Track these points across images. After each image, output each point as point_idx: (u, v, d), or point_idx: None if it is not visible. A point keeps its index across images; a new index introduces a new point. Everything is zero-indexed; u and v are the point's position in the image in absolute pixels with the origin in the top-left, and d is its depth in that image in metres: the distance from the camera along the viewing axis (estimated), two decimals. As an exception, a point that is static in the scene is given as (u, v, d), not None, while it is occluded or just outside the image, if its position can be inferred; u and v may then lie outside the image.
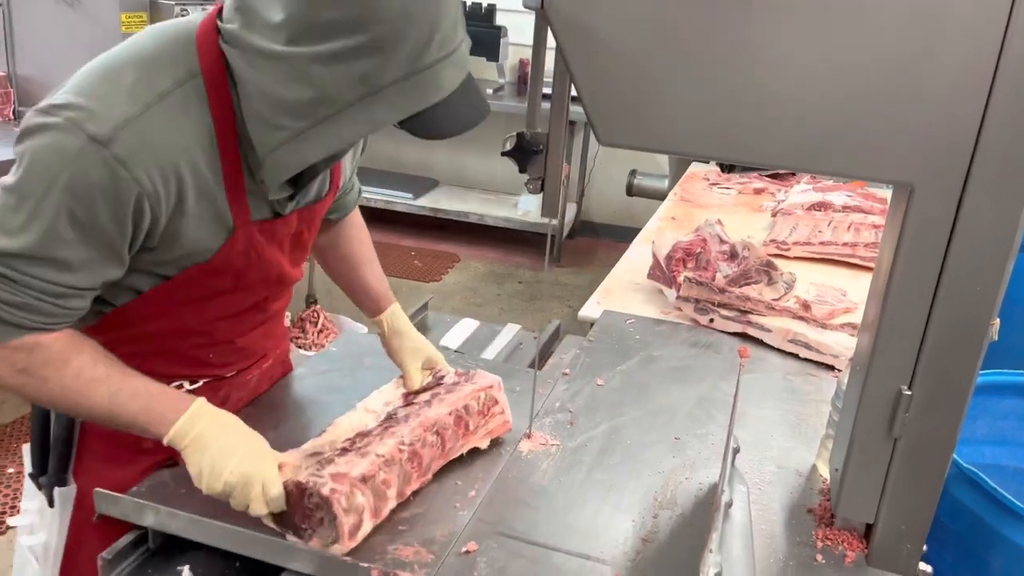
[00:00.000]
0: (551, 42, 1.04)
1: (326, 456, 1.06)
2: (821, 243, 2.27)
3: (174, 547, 1.07)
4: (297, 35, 0.91)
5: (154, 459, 1.14)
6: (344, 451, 1.07)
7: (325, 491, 0.97)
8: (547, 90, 1.04)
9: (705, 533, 0.96)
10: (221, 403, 1.12)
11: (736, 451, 1.06)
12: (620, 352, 1.62)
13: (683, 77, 0.96)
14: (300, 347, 3.31)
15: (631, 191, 4.30)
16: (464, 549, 1.02)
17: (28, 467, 1.21)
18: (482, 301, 4.35)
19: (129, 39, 1.04)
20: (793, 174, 3.09)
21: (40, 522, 1.22)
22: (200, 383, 1.19)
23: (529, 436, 1.28)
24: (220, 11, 1.01)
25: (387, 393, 1.26)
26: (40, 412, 1.18)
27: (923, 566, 1.07)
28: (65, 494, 1.18)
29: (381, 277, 1.44)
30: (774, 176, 3.11)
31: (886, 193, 2.78)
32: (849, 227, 2.30)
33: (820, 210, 2.46)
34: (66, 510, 1.18)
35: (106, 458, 1.16)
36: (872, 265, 2.25)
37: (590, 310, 1.86)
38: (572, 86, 1.02)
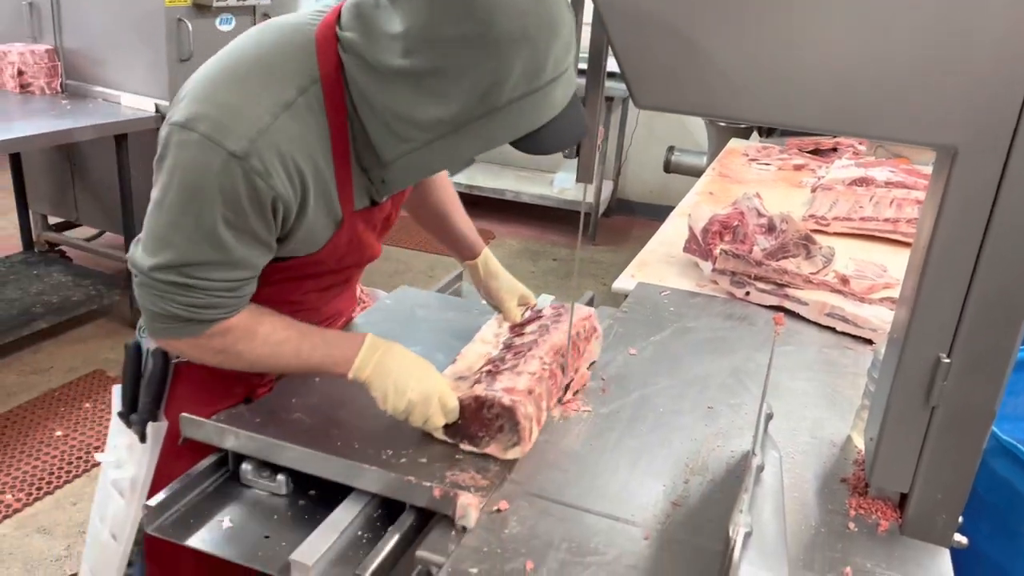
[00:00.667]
0: (587, 15, 1.03)
1: (481, 375, 1.19)
2: (862, 219, 2.24)
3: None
4: (416, 48, 0.95)
5: (238, 398, 1.27)
6: (492, 373, 1.20)
7: (506, 401, 1.11)
8: (582, 66, 1.04)
9: (735, 497, 0.96)
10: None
11: (769, 417, 1.05)
12: (654, 323, 1.61)
13: (722, 37, 0.94)
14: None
15: (668, 167, 4.26)
16: (496, 508, 1.04)
17: (117, 406, 1.31)
18: (517, 278, 4.35)
19: (250, 36, 1.08)
20: (835, 150, 3.04)
21: (128, 457, 1.30)
22: None
23: (562, 402, 1.28)
24: (339, 15, 1.04)
25: (493, 327, 1.41)
26: (133, 354, 1.28)
27: (958, 537, 1.06)
28: (157, 428, 1.27)
29: (470, 225, 1.55)
30: (815, 152, 3.07)
31: (930, 170, 2.72)
32: (892, 203, 2.26)
33: (862, 185, 2.41)
34: (157, 444, 1.27)
35: (196, 398, 1.24)
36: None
37: (624, 282, 1.86)
38: (608, 53, 1.02)
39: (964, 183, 0.92)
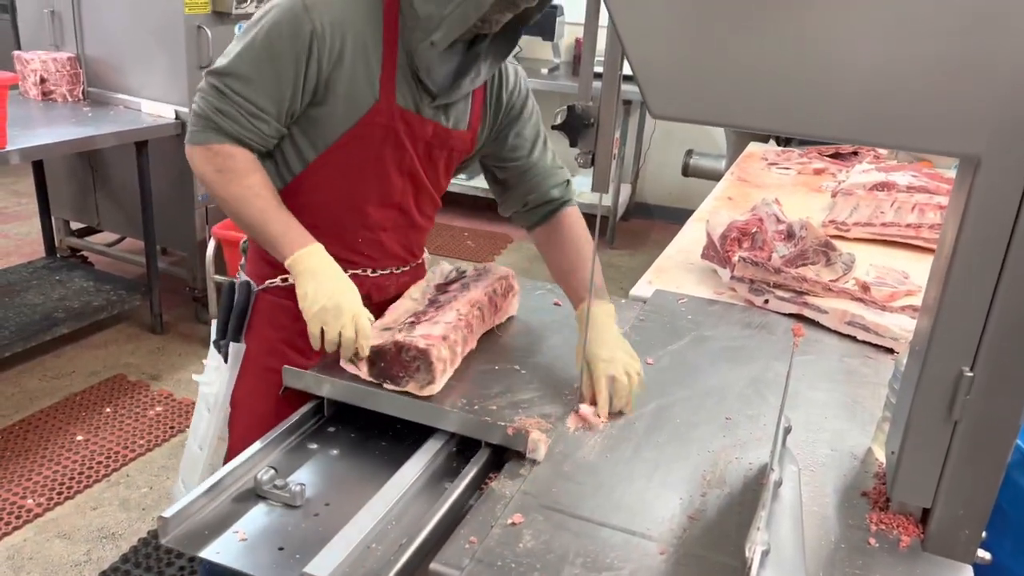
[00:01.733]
0: (603, 19, 1.02)
1: (402, 326, 1.33)
2: (883, 224, 2.21)
3: (344, 416, 1.34)
4: None
5: (303, 327, 1.34)
6: (414, 324, 1.34)
7: (422, 345, 1.26)
8: (599, 69, 1.03)
9: (753, 512, 0.95)
10: (364, 297, 1.35)
11: (788, 430, 1.04)
12: (671, 331, 1.60)
13: (739, 46, 0.93)
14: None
15: (687, 171, 4.23)
16: (510, 521, 1.03)
17: (213, 335, 1.52)
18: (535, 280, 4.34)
19: None
20: (855, 153, 3.01)
21: (215, 377, 1.52)
22: (349, 273, 1.37)
23: (577, 413, 1.27)
24: None
25: (421, 287, 1.51)
26: (228, 290, 1.48)
27: (982, 553, 1.03)
28: (237, 350, 1.48)
29: (595, 273, 1.41)
30: (835, 156, 3.03)
31: (953, 174, 2.69)
32: (913, 208, 2.22)
33: (883, 190, 2.38)
34: (236, 364, 1.48)
35: (269, 323, 1.47)
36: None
37: (641, 289, 1.84)
38: (624, 60, 1.01)
39: (987, 192, 0.90)
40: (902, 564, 1.00)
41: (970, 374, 0.96)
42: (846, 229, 2.22)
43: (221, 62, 1.30)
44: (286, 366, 1.34)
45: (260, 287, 1.46)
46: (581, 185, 5.01)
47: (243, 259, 1.54)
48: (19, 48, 3.51)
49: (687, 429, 1.27)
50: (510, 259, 4.62)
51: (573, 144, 1.12)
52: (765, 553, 0.82)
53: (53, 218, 3.84)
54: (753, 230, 1.90)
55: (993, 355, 0.94)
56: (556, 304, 1.71)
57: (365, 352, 1.28)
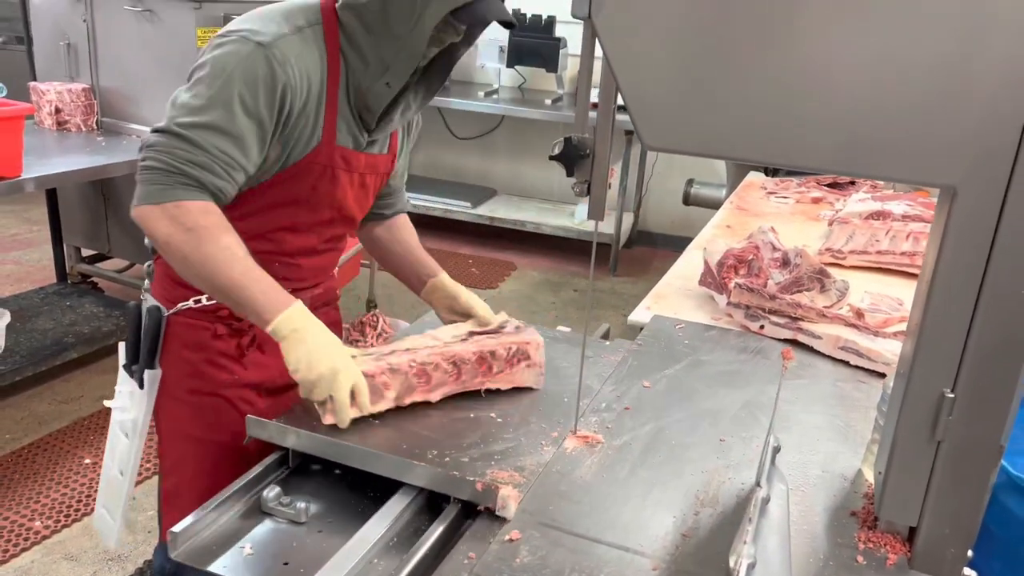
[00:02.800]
0: (600, 50, 1.08)
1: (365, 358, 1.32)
2: (878, 252, 2.25)
3: (308, 468, 1.30)
4: None
5: (223, 346, 1.44)
6: (377, 358, 1.32)
7: None
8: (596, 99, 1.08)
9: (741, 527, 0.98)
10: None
11: (776, 450, 1.07)
12: (668, 356, 1.63)
13: (725, 81, 0.98)
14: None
15: (688, 200, 4.29)
16: (507, 537, 1.06)
17: (122, 360, 1.48)
18: (537, 308, 4.39)
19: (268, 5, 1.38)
20: (852, 183, 3.06)
21: (130, 403, 1.49)
22: None
23: (575, 433, 1.31)
24: None
25: (453, 330, 1.48)
26: (134, 314, 1.45)
27: (968, 572, 1.06)
28: (153, 376, 1.45)
29: (428, 257, 1.67)
30: (832, 186, 3.08)
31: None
32: (908, 236, 2.27)
33: (878, 219, 2.43)
34: (153, 389, 1.46)
35: (185, 346, 1.44)
36: (931, 275, 2.21)
37: (640, 315, 1.88)
38: (619, 92, 1.06)
39: (964, 221, 0.94)
40: (889, 581, 1.03)
41: (951, 395, 0.99)
42: (842, 257, 2.26)
43: (183, 115, 1.24)
44: (249, 416, 1.27)
45: (171, 311, 1.43)
46: (584, 214, 5.07)
47: (147, 281, 1.51)
48: (35, 79, 3.60)
49: (682, 450, 1.30)
50: (514, 286, 4.67)
51: (569, 174, 1.16)
52: (751, 566, 0.85)
53: (65, 245, 3.91)
54: (749, 257, 1.94)
55: (973, 377, 0.98)
56: None
57: (367, 409, 1.26)
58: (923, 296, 1.02)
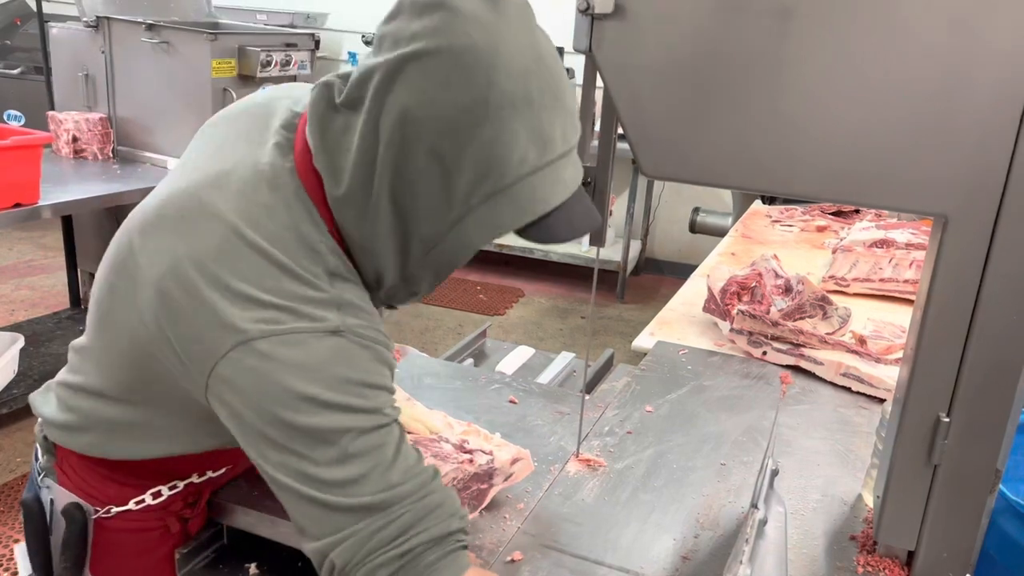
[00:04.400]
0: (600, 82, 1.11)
1: None
2: (881, 280, 2.27)
3: (245, 544, 1.17)
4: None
5: (175, 540, 1.12)
6: None
7: None
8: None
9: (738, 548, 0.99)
10: (196, 500, 1.13)
11: (775, 473, 1.09)
12: (671, 381, 1.65)
13: (721, 113, 1.01)
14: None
15: (694, 228, 4.32)
16: (510, 558, 1.08)
17: (25, 569, 1.11)
18: (544, 335, 4.41)
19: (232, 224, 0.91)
20: (857, 211, 3.08)
21: None
22: (178, 488, 1.11)
23: (577, 456, 1.33)
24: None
25: (452, 423, 1.26)
26: (35, 511, 1.08)
27: (967, 596, 1.07)
28: None
29: None
30: (837, 214, 3.10)
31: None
32: (911, 264, 2.28)
33: (882, 247, 2.44)
34: None
35: (128, 550, 1.10)
36: (934, 302, 2.23)
37: (644, 341, 1.90)
38: (619, 123, 1.09)
39: (955, 249, 0.96)
40: (887, 604, 1.04)
41: (947, 419, 1.01)
42: (845, 284, 2.28)
43: (351, 497, 0.86)
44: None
45: (100, 513, 1.06)
46: (588, 242, 5.11)
47: (48, 459, 1.08)
48: (53, 108, 3.68)
49: (683, 474, 1.31)
50: (521, 312, 4.70)
51: (571, 202, 1.19)
52: None
53: (79, 270, 3.96)
54: (752, 284, 1.96)
55: (968, 401, 1.00)
56: (511, 402, 1.52)
57: None
58: (917, 322, 1.04)
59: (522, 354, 1.84)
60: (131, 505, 1.07)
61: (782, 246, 2.80)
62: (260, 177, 0.92)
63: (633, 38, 1.00)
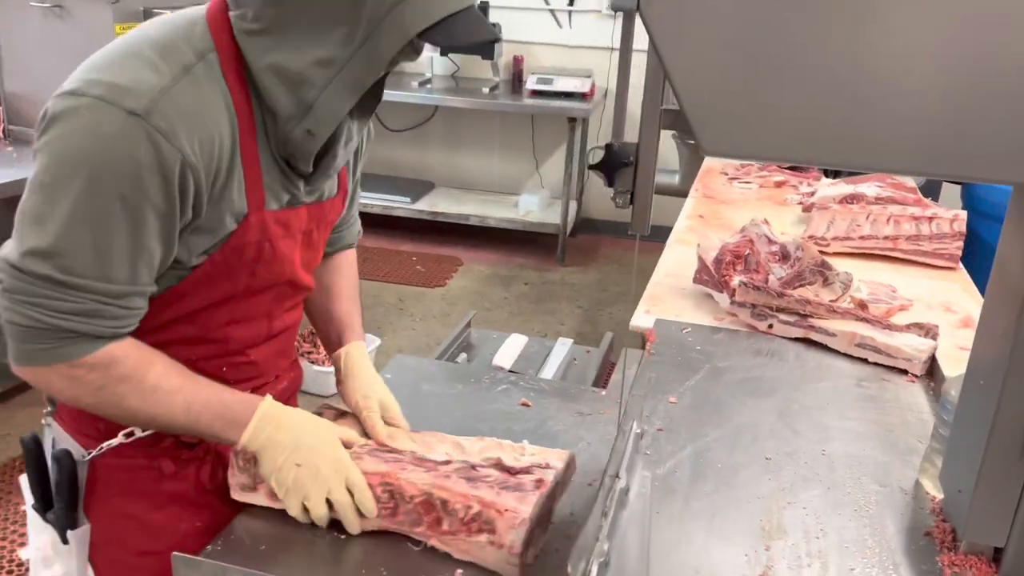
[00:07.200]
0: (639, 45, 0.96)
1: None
2: (861, 238, 2.22)
3: None
4: None
5: (174, 488, 1.12)
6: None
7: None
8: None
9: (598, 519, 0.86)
10: (194, 443, 1.12)
11: (639, 436, 0.96)
12: (684, 365, 1.54)
13: (798, 78, 0.88)
14: (312, 362, 3.22)
15: (639, 187, 4.22)
16: (577, 600, 0.94)
17: (29, 499, 1.13)
18: (490, 305, 4.27)
19: (137, 28, 1.00)
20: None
21: (55, 555, 1.14)
22: None
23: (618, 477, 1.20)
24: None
25: (490, 445, 1.11)
26: (33, 450, 1.11)
27: (1052, 589, 1.01)
28: (80, 536, 1.11)
29: (352, 314, 1.31)
30: (793, 168, 3.06)
31: (911, 181, 2.73)
32: (888, 220, 2.24)
33: (853, 202, 2.39)
34: (83, 547, 1.11)
35: (122, 491, 1.11)
36: (915, 259, 2.20)
37: (640, 319, 1.78)
38: (669, 92, 0.95)
39: (1065, 224, 0.87)
40: (987, 610, 0.96)
41: (1049, 409, 0.92)
42: (825, 244, 2.22)
43: (40, 241, 0.88)
44: (175, 553, 0.97)
45: (92, 453, 1.08)
46: (529, 203, 4.97)
47: (49, 408, 1.13)
48: (-71, 86, 3.25)
49: (730, 474, 1.20)
50: (462, 282, 4.53)
51: (610, 184, 1.05)
52: (604, 565, 0.75)
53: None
54: (745, 252, 1.87)
55: (1072, 389, 0.91)
56: (524, 404, 1.39)
57: (372, 511, 1.01)
58: (1010, 299, 0.95)
59: (515, 343, 1.69)
60: (120, 437, 1.07)
61: (745, 204, 2.73)
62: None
63: (699, -8, 0.85)
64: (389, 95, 4.70)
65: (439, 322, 4.03)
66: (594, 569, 0.75)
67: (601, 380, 1.66)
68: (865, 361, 1.59)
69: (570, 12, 4.85)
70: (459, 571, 0.97)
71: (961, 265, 2.18)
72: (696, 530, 1.08)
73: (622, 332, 1.86)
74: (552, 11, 4.72)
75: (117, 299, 0.92)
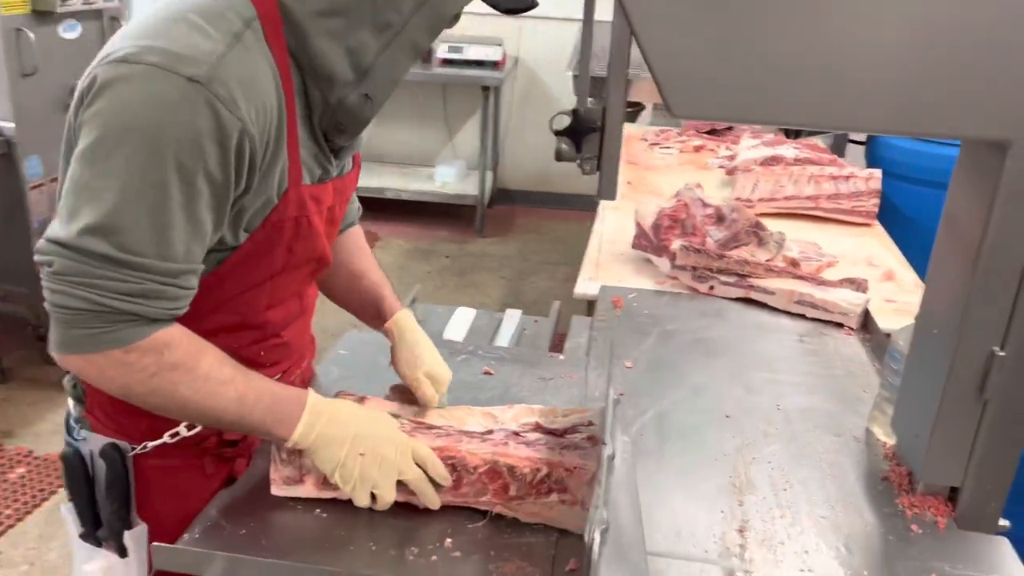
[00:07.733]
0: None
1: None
2: (785, 198, 2.29)
3: None
4: None
5: (218, 481, 1.09)
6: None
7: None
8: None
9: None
10: (237, 440, 1.10)
11: (616, 402, 1.00)
12: (635, 329, 1.56)
13: (765, 38, 0.88)
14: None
15: (560, 156, 4.22)
16: (568, 568, 0.94)
17: (76, 528, 1.07)
18: (413, 280, 4.21)
19: None
20: (730, 128, 3.10)
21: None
22: None
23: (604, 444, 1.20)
24: None
25: (522, 411, 1.10)
26: (75, 463, 1.05)
27: (1004, 522, 1.07)
28: (137, 535, 1.05)
29: (383, 285, 1.30)
30: (711, 132, 3.12)
31: (818, 142, 2.83)
32: (809, 180, 2.32)
33: (773, 164, 2.46)
34: (142, 551, 1.06)
35: (166, 492, 1.07)
36: (835, 217, 2.29)
37: (584, 287, 1.79)
38: (637, 54, 0.94)
39: (1018, 176, 0.91)
40: (949, 547, 1.01)
41: (1002, 353, 0.97)
42: (751, 205, 2.28)
43: (95, 217, 0.83)
44: (155, 544, 0.95)
45: (137, 449, 1.04)
46: (445, 175, 4.91)
47: (75, 408, 1.07)
48: None
49: (694, 434, 1.23)
50: (383, 257, 4.45)
51: (578, 150, 1.04)
52: (604, 531, 0.78)
53: None
54: (682, 216, 1.90)
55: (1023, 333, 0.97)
56: (486, 373, 1.38)
57: (447, 479, 1.00)
58: (955, 252, 0.99)
59: (464, 317, 1.67)
60: (166, 438, 1.04)
61: (668, 169, 2.78)
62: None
63: (678, -48, 0.84)
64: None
65: (361, 299, 3.95)
66: (597, 536, 0.75)
67: (554, 349, 1.66)
68: (803, 317, 1.64)
69: (478, -21, 4.78)
70: (448, 540, 0.96)
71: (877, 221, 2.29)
72: (671, 490, 1.10)
73: (547, 302, 1.85)
74: (460, -22, 4.63)
75: (175, 278, 0.88)
